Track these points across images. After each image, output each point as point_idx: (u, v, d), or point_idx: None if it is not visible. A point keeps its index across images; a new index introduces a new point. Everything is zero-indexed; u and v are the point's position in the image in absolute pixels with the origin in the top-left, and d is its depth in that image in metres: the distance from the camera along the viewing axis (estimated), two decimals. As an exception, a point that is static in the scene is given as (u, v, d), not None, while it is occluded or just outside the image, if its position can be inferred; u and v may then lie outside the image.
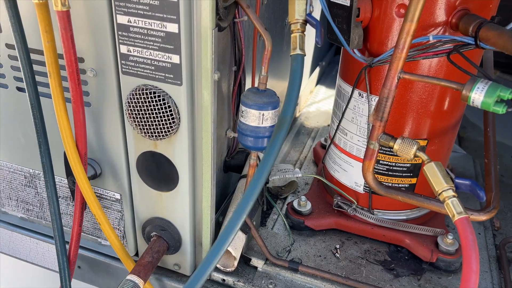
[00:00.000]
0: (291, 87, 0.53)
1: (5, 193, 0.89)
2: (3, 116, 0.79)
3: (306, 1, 0.53)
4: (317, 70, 1.60)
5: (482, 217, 0.64)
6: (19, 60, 0.63)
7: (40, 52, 0.67)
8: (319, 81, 1.65)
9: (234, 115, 0.79)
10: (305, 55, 0.54)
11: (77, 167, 0.68)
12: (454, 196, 0.53)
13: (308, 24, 0.54)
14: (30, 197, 0.87)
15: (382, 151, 0.78)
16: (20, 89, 0.74)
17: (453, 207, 0.52)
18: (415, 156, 0.59)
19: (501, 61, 1.63)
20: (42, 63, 0.66)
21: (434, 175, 0.55)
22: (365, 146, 0.79)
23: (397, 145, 0.59)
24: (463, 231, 0.50)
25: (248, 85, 0.82)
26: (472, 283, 0.46)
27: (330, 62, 1.83)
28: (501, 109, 0.50)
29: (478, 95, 0.51)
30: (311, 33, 1.20)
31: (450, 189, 0.54)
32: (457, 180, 0.55)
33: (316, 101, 1.51)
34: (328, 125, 1.32)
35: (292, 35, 0.54)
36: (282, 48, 1.09)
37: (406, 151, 0.59)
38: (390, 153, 0.78)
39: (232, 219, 0.50)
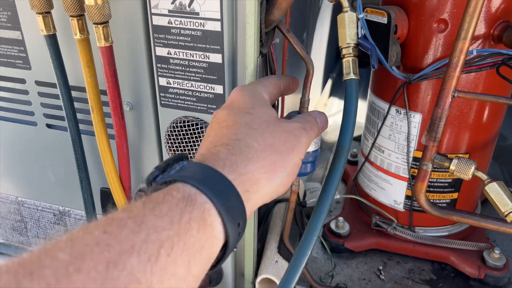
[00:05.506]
0: (347, 113, 0.52)
1: (32, 232, 0.86)
2: (29, 154, 0.76)
3: (357, 25, 0.51)
4: (329, 82, 1.59)
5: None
6: (60, 96, 0.61)
7: (76, 89, 0.65)
8: (332, 93, 1.64)
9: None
10: (359, 79, 0.52)
11: (121, 201, 0.66)
12: (523, 217, 0.51)
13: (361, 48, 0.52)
14: (59, 235, 0.84)
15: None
16: (50, 126, 0.72)
17: (524, 230, 0.50)
18: (473, 175, 0.57)
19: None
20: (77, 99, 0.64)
21: (498, 195, 0.53)
22: (405, 163, 0.78)
23: (453, 166, 0.57)
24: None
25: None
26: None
27: (340, 73, 1.81)
28: None
29: (543, 112, 0.49)
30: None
31: (518, 210, 0.52)
32: (523, 200, 0.53)
33: (331, 114, 1.49)
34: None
35: (344, 60, 0.52)
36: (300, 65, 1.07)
37: (464, 171, 0.57)
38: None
39: (299, 253, 0.48)
